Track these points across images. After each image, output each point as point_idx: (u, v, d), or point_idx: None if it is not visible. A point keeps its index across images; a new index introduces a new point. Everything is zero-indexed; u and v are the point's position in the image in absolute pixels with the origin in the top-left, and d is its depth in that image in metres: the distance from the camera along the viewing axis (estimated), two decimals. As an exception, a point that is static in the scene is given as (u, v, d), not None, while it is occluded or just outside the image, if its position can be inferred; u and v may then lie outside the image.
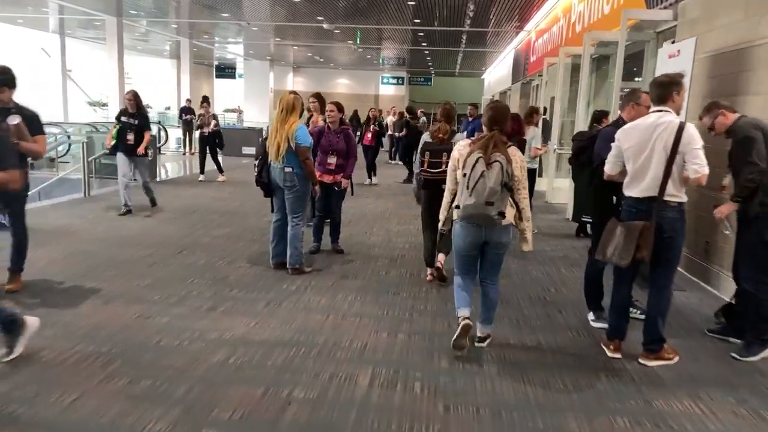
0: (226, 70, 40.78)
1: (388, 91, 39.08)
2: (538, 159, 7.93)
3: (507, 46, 22.93)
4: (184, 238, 6.81)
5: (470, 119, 10.03)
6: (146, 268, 5.59)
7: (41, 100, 23.70)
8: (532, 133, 7.69)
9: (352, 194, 6.72)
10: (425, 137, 5.29)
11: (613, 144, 3.81)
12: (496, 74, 29.68)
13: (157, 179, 11.82)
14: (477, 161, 3.45)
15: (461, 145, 3.71)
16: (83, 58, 27.84)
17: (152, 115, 21.96)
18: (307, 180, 5.37)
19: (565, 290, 5.41)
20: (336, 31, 20.83)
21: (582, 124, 8.93)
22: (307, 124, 6.89)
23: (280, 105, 5.31)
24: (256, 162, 5.60)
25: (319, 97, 7.54)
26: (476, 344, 3.98)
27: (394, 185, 12.59)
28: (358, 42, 22.81)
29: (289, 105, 5.28)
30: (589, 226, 5.56)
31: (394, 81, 38.91)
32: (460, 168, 3.59)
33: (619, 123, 4.11)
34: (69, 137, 14.32)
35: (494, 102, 3.91)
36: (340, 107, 6.38)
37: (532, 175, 7.46)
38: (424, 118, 19.09)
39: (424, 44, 23.91)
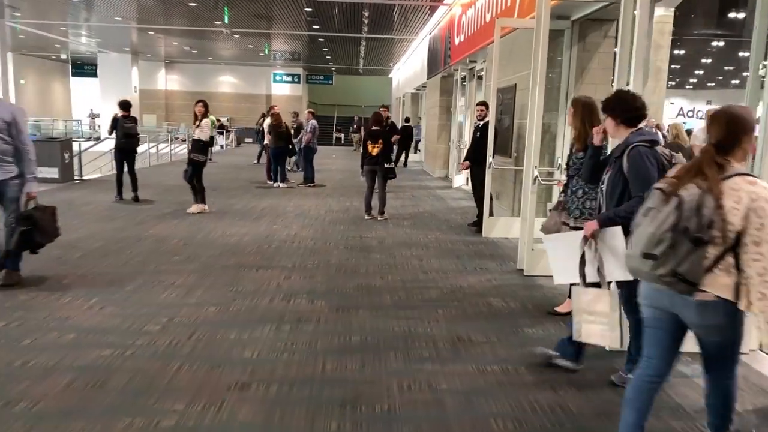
0: (84, 67, 33.64)
1: (283, 91, 33.55)
2: None
3: (420, 31, 18.27)
4: None
5: None
6: None
7: None
8: None
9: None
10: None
11: None
12: (407, 70, 25.06)
13: None
14: (655, 194, 2.36)
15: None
16: None
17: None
18: None
19: None
20: (191, 4, 15.21)
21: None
22: None
23: None
24: None
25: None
26: None
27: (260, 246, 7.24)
28: (226, 21, 17.23)
29: None
30: None
31: (289, 79, 33.44)
32: None
33: None
34: None
35: (726, 107, 2.39)
36: None
37: None
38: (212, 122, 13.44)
39: (316, 27, 18.74)
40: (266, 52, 25.81)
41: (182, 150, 20.96)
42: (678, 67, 27.88)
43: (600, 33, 7.22)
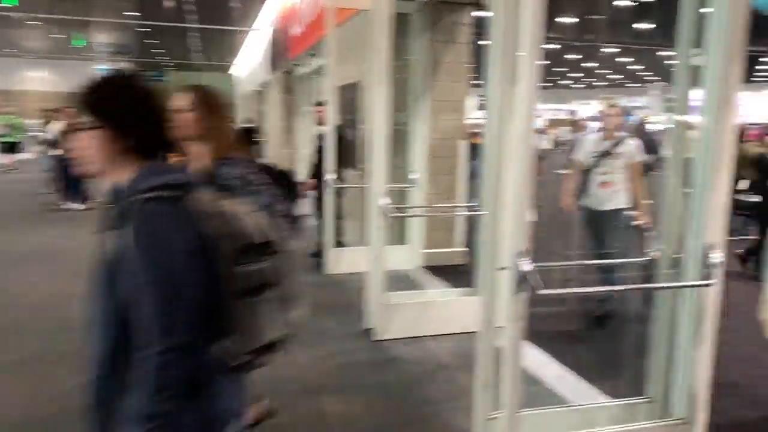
0: None
1: (109, 89, 29.52)
2: None
3: (257, 20, 16.34)
4: None
5: None
6: None
7: None
8: None
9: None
10: None
11: None
12: (249, 65, 22.90)
13: None
14: None
15: None
16: None
17: None
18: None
19: None
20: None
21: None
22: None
23: None
24: None
25: None
26: None
27: None
28: (15, 1, 13.99)
29: None
30: None
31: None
32: None
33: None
34: None
35: None
36: None
37: None
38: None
39: (126, 13, 16.04)
40: (73, 43, 22.17)
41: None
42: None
43: (455, 19, 5.97)
